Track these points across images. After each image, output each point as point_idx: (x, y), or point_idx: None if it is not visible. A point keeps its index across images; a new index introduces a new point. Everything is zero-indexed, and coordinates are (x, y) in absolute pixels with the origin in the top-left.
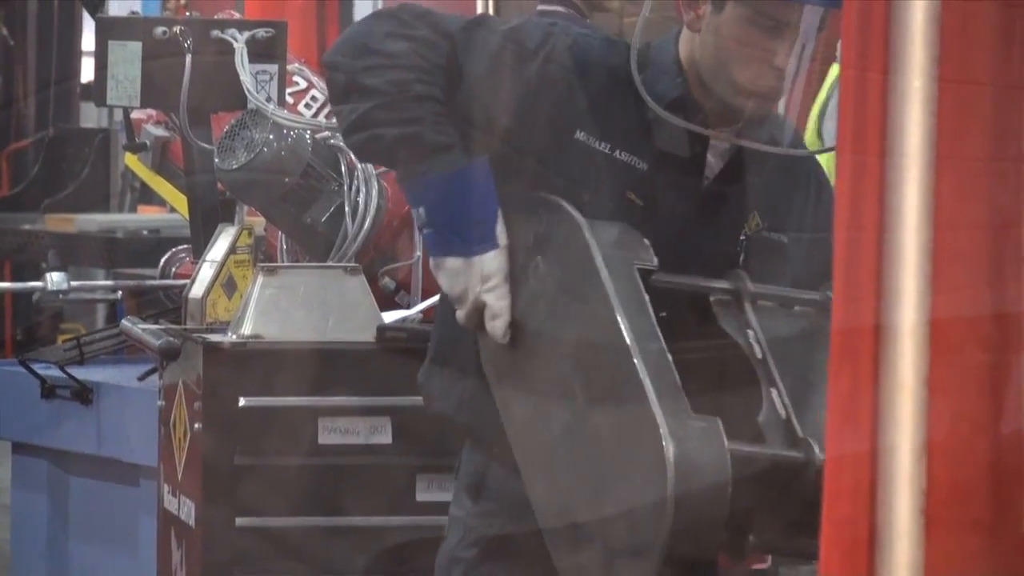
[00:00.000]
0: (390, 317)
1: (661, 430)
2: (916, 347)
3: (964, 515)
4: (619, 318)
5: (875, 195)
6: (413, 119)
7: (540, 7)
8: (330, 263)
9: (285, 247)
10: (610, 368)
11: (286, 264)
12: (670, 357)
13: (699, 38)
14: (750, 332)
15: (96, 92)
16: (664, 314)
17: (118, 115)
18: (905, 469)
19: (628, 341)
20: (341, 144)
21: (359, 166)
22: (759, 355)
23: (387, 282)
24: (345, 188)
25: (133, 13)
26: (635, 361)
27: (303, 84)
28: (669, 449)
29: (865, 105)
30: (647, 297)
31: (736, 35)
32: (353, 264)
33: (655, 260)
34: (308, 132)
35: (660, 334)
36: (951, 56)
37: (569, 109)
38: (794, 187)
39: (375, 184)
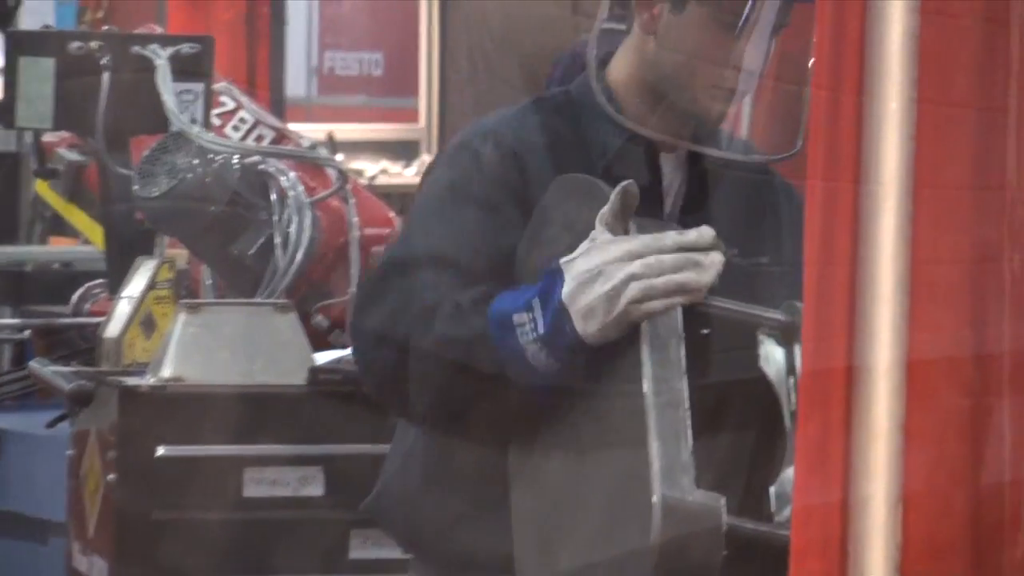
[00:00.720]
0: (324, 358)
1: (654, 501)
2: (891, 390)
3: (942, 571)
4: (644, 360)
5: (848, 226)
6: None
7: (604, 25)
8: (259, 299)
9: (209, 282)
10: (623, 414)
11: (210, 300)
12: (687, 409)
13: (651, 42)
14: (791, 379)
15: (4, 113)
16: (707, 331)
17: (28, 138)
18: (879, 522)
19: (646, 387)
20: (271, 170)
21: (290, 193)
22: (793, 409)
23: (320, 320)
24: (275, 218)
25: (46, 27)
26: (648, 417)
27: (231, 104)
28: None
29: (838, 128)
30: (681, 324)
31: (700, 36)
32: (284, 300)
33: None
34: (236, 157)
35: (685, 375)
36: (930, 76)
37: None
38: (764, 208)
39: (308, 213)
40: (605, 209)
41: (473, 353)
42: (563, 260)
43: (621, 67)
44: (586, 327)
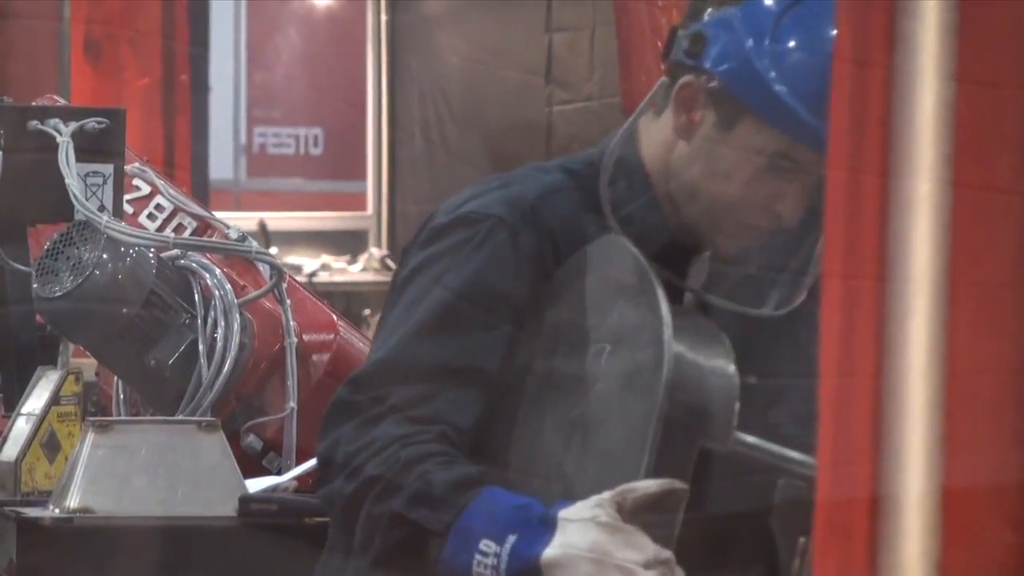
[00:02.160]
0: (257, 485)
1: None
2: (924, 523)
3: None
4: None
5: (871, 330)
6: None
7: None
8: (180, 417)
9: (122, 396)
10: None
11: (124, 419)
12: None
13: (683, 148)
14: (802, 540)
15: None
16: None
17: None
18: None
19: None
20: (193, 265)
21: (216, 293)
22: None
23: (252, 441)
24: (199, 321)
25: None
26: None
27: (146, 189)
28: None
29: (858, 215)
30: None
31: (745, 166)
32: (209, 419)
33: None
34: (152, 250)
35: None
36: (967, 154)
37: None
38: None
39: (237, 316)
40: (635, 493)
41: (422, 542)
42: (561, 513)
43: (652, 155)
44: None
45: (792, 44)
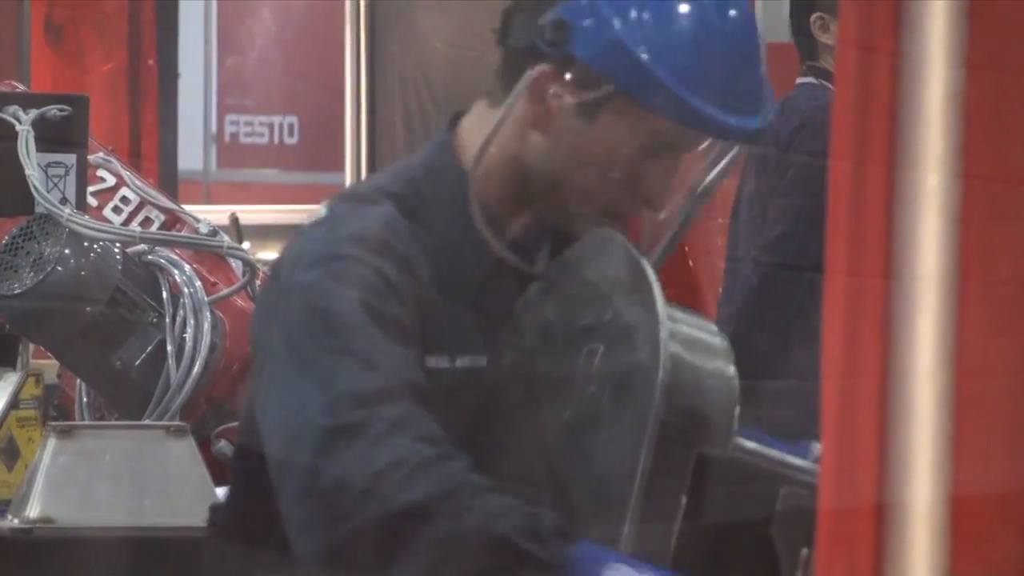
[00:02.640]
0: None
1: None
2: (932, 532)
3: None
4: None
5: (876, 330)
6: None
7: (799, 80)
8: (147, 422)
9: (86, 400)
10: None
11: (87, 423)
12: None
13: (537, 139)
14: (804, 551)
15: None
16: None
17: None
18: None
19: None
20: (161, 261)
21: (185, 290)
22: None
23: (223, 447)
24: (167, 320)
25: None
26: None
27: (111, 181)
28: None
29: (862, 210)
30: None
31: (610, 153)
32: (178, 423)
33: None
34: (117, 245)
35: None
36: (978, 146)
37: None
38: None
39: (207, 315)
40: None
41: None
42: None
43: (490, 156)
44: None
45: (663, 17)
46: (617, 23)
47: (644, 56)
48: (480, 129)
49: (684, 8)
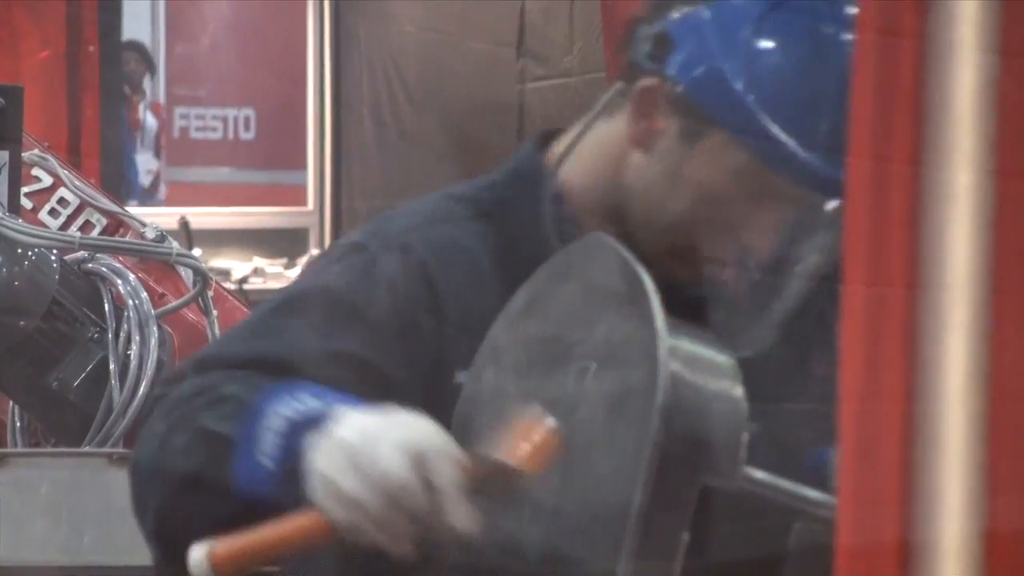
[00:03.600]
0: None
1: None
2: (963, 573)
3: None
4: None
5: (900, 346)
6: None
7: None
8: (87, 449)
9: (19, 424)
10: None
11: (20, 450)
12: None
13: (639, 159)
14: None
15: None
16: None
17: None
18: None
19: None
20: (103, 270)
21: (130, 302)
22: None
23: None
24: (109, 336)
25: None
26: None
27: (47, 180)
28: None
29: (886, 212)
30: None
31: (715, 186)
32: (121, 450)
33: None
34: (55, 252)
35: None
36: (1012, 141)
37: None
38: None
39: (154, 330)
40: (476, 460)
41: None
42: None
43: (586, 169)
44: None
45: (770, 51)
46: (718, 47)
47: (741, 86)
48: (589, 146)
49: (793, 43)
